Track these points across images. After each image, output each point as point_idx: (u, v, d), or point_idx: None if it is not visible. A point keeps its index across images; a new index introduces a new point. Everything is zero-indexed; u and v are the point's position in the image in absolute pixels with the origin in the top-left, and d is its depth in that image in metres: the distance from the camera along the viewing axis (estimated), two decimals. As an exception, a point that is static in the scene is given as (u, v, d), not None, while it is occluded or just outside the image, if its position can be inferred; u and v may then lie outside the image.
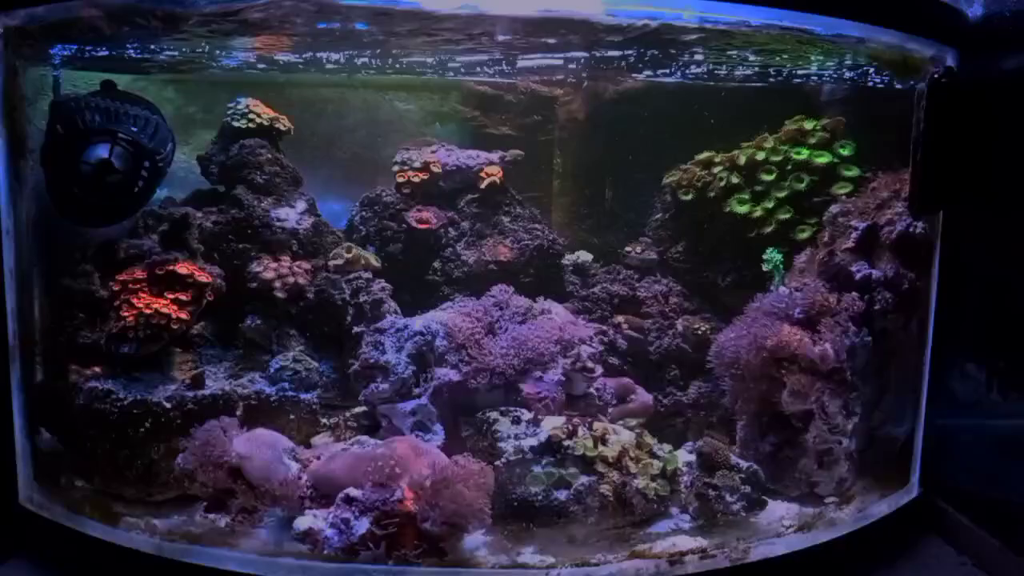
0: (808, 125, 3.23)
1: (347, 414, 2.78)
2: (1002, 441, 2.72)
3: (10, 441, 2.55)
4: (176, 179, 3.24)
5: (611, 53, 2.99)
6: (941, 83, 2.52)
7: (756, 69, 3.13)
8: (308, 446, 2.63)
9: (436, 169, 3.44)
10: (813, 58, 2.90)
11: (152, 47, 2.95)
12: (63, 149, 2.54)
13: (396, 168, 3.47)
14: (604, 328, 3.16)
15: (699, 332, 3.18)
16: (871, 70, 2.97)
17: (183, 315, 2.60)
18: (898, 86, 2.92)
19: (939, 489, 2.79)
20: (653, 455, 2.50)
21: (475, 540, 2.23)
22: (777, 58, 2.93)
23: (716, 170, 3.34)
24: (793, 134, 3.25)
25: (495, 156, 3.52)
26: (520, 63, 3.26)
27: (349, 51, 3.02)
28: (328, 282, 3.02)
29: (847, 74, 3.09)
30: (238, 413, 2.54)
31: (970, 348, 2.79)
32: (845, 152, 3.14)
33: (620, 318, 3.23)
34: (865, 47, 2.53)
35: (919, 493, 2.79)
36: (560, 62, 3.25)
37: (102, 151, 2.51)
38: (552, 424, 2.48)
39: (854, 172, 3.08)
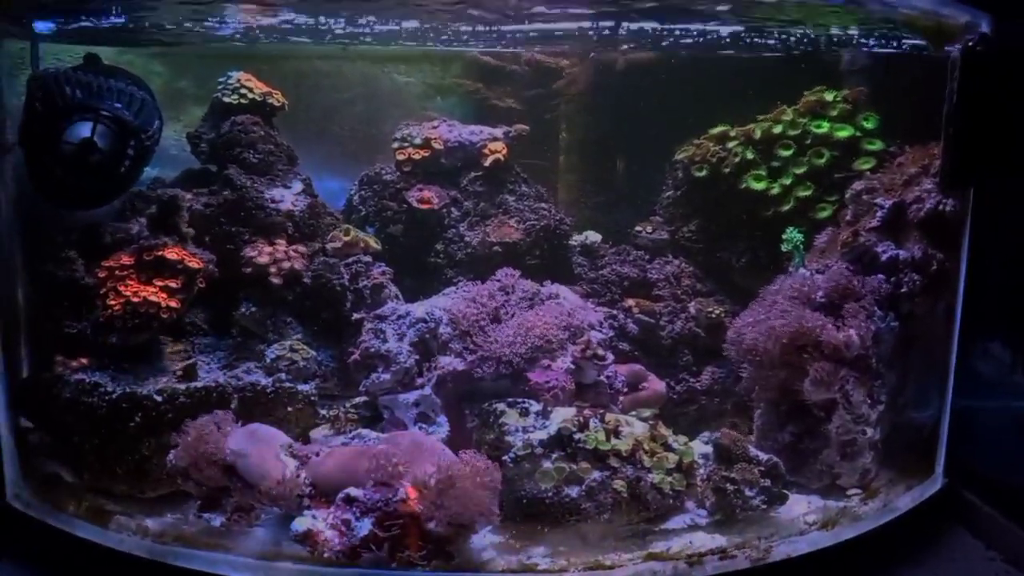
0: (828, 96, 3.09)
1: (347, 406, 2.68)
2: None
3: (-6, 437, 2.46)
4: (168, 157, 3.12)
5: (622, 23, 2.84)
6: (976, 51, 2.37)
7: (776, 38, 2.97)
8: (306, 439, 2.52)
9: (438, 146, 3.32)
10: (839, 25, 2.73)
11: (137, 16, 2.80)
12: (43, 127, 2.41)
13: (396, 145, 3.36)
14: (614, 312, 3.06)
15: (713, 315, 3.08)
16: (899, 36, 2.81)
17: (173, 303, 2.48)
18: (928, 53, 2.76)
19: (965, 479, 2.68)
20: (668, 447, 2.38)
21: (482, 541, 2.13)
22: (800, 26, 2.77)
23: (731, 145, 3.21)
24: (812, 106, 3.11)
25: (499, 131, 3.40)
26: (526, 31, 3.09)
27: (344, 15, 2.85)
28: (326, 266, 2.91)
29: (872, 41, 2.93)
30: (232, 406, 2.43)
31: (999, 331, 2.67)
32: (868, 125, 3.00)
33: (630, 301, 3.12)
34: (897, 13, 2.37)
35: (944, 483, 2.68)
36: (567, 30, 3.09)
37: (84, 130, 2.38)
38: (562, 416, 2.37)
39: (878, 146, 2.95)
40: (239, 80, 3.08)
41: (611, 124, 3.61)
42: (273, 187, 2.99)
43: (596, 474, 2.24)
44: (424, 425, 2.54)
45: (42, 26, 2.73)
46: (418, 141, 3.31)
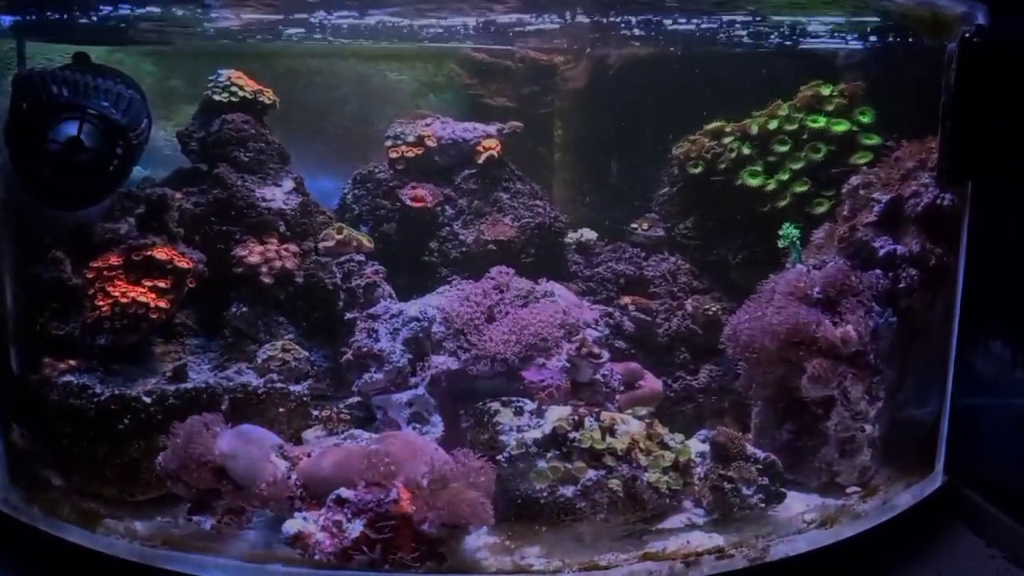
0: (825, 91, 3.06)
1: (340, 406, 2.67)
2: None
3: (-18, 439, 2.43)
4: (161, 157, 3.10)
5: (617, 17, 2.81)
6: (972, 43, 2.34)
7: (771, 31, 2.95)
8: (299, 440, 2.49)
9: (431, 143, 3.29)
10: (834, 16, 2.70)
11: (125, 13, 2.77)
12: (28, 126, 2.37)
13: (389, 143, 3.33)
14: (610, 310, 3.03)
15: (710, 313, 3.06)
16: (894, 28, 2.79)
17: (162, 303, 2.45)
18: (924, 46, 2.74)
19: (965, 476, 2.65)
20: (664, 446, 2.35)
21: (476, 542, 2.10)
22: (794, 18, 2.75)
23: (726, 140, 3.18)
24: (809, 101, 3.08)
25: (493, 128, 3.36)
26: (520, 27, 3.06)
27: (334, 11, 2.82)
28: (318, 266, 2.89)
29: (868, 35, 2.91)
30: (223, 407, 2.39)
31: (999, 327, 2.64)
32: (865, 119, 2.97)
33: (627, 299, 3.10)
34: (893, 3, 2.35)
35: (944, 481, 2.65)
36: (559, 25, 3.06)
37: (70, 128, 2.35)
38: (557, 415, 2.34)
39: (875, 141, 2.93)
40: (229, 78, 3.04)
41: (606, 121, 3.58)
42: (264, 186, 2.96)
43: (591, 473, 2.21)
44: (418, 425, 2.51)
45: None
46: (411, 139, 3.29)
